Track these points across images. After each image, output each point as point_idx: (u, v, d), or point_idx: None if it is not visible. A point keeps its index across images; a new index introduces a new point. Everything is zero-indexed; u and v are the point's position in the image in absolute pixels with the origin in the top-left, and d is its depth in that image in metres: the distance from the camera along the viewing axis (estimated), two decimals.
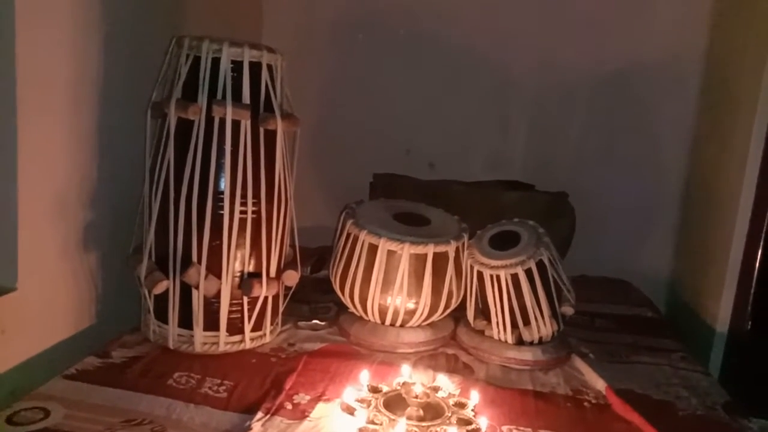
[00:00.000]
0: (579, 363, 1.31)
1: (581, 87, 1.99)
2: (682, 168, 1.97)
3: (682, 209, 1.99)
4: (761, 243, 1.56)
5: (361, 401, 1.06)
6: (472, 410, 1.06)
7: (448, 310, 1.40)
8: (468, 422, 1.02)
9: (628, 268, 1.95)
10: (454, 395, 1.11)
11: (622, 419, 1.11)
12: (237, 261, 1.22)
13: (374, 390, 1.10)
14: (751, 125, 1.54)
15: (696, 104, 1.93)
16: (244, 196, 1.19)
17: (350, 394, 1.07)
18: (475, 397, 1.09)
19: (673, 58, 1.93)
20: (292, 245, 1.37)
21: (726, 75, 1.78)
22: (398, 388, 1.10)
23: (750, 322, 1.60)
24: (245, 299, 1.24)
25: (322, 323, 1.43)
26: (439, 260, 1.33)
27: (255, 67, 1.20)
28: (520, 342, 1.31)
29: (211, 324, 1.22)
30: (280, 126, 1.22)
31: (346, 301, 1.40)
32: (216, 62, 1.17)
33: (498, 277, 1.29)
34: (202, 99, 1.16)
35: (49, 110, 1.15)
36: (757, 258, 1.57)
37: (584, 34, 1.96)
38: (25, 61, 1.06)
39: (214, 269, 1.19)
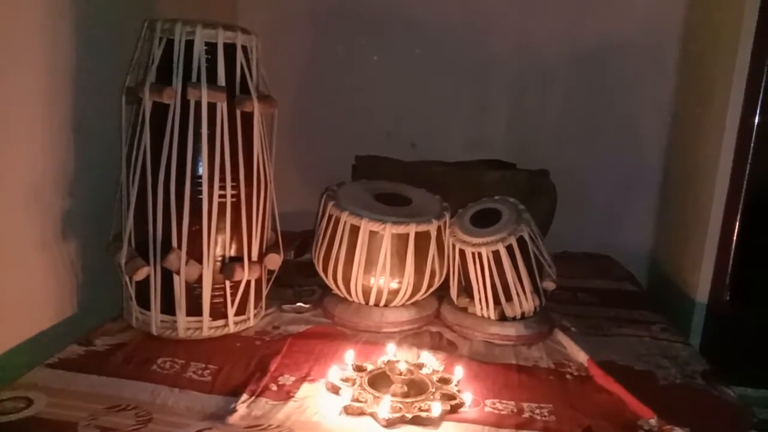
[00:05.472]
0: (561, 337, 1.32)
1: (560, 65, 2.00)
2: (662, 143, 1.99)
3: (661, 184, 2.01)
4: (738, 216, 1.59)
5: (346, 380, 1.07)
6: (456, 385, 1.08)
7: (431, 289, 1.41)
8: (452, 397, 1.04)
9: (609, 243, 1.97)
10: (438, 371, 1.12)
11: (603, 390, 1.12)
12: (218, 245, 1.21)
13: (359, 369, 1.11)
14: (727, 100, 1.55)
15: (674, 80, 1.95)
16: (222, 179, 1.19)
17: (335, 373, 1.08)
18: (459, 372, 1.10)
19: (650, 34, 1.94)
20: (274, 229, 1.36)
21: (702, 51, 1.79)
22: (383, 366, 1.10)
23: (728, 293, 1.63)
24: (227, 283, 1.24)
25: (307, 306, 1.44)
26: (421, 240, 1.33)
27: (229, 49, 1.19)
28: (502, 318, 1.33)
29: (194, 309, 1.22)
30: (257, 108, 1.21)
31: (330, 282, 1.40)
32: (190, 45, 1.16)
33: (480, 254, 1.30)
34: (177, 82, 1.15)
35: (20, 99, 1.13)
36: (734, 231, 1.60)
37: (562, 13, 1.96)
38: None
39: (195, 254, 1.19)
